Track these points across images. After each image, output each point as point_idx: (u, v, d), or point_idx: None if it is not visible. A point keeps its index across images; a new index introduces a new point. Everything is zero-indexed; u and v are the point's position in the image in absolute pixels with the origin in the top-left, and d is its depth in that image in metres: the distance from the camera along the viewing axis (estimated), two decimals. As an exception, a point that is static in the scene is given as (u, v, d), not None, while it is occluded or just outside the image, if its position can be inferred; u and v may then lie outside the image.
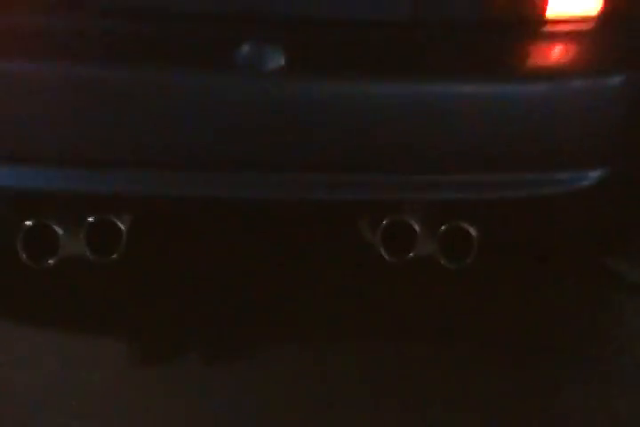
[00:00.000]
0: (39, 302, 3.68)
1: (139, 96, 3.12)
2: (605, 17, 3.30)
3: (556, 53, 3.37)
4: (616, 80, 3.28)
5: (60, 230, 3.08)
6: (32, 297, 3.67)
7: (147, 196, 3.20)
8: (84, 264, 3.16)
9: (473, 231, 3.20)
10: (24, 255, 3.09)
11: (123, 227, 3.12)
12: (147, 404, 3.34)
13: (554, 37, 3.34)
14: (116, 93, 3.11)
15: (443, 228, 3.21)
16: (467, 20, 3.27)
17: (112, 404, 3.34)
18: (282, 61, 3.08)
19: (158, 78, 3.13)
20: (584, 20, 3.30)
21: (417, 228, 3.19)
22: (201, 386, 3.43)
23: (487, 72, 3.26)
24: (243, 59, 3.09)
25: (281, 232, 3.64)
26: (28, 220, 3.07)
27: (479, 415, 3.39)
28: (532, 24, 3.30)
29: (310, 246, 3.77)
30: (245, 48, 3.09)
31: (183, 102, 3.12)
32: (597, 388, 3.57)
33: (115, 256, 3.12)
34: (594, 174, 3.30)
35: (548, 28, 3.31)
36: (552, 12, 3.27)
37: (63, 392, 3.37)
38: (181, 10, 3.19)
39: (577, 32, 3.31)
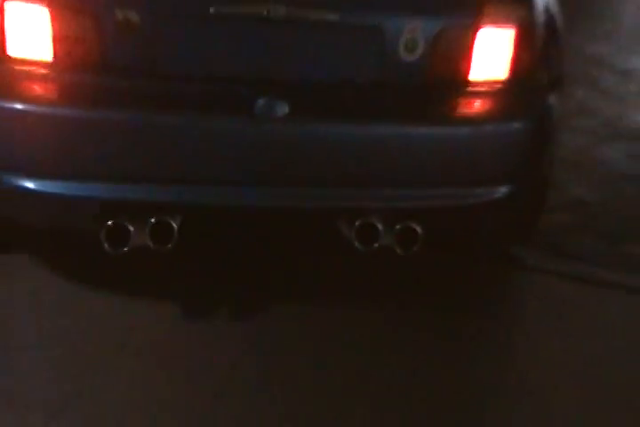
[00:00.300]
0: (115, 279, 3.65)
1: (187, 136, 3.11)
2: (510, 80, 3.31)
3: (478, 105, 3.36)
4: (517, 125, 3.32)
5: (131, 228, 3.09)
6: (110, 275, 3.65)
7: (191, 204, 3.21)
8: (147, 252, 3.16)
9: (419, 229, 3.23)
10: (106, 245, 3.09)
11: (175, 225, 3.12)
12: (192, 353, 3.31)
13: (476, 94, 3.33)
14: (172, 134, 3.11)
15: (398, 227, 3.23)
16: (418, 81, 3.25)
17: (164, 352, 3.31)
18: (286, 110, 3.11)
19: (202, 123, 3.12)
20: (496, 82, 3.32)
21: (380, 227, 3.22)
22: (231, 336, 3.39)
23: (432, 119, 3.28)
24: (260, 109, 3.11)
25: (285, 230, 3.61)
26: (109, 220, 3.08)
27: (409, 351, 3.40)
28: (461, 85, 3.30)
29: (307, 239, 3.75)
30: (261, 101, 3.10)
31: (219, 139, 3.13)
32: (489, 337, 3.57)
33: (169, 246, 3.13)
34: (503, 189, 3.36)
35: (472, 88, 3.32)
36: (475, 76, 3.29)
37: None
38: (220, 74, 3.17)
39: (492, 91, 3.33)
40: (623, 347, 3.56)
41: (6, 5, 3.02)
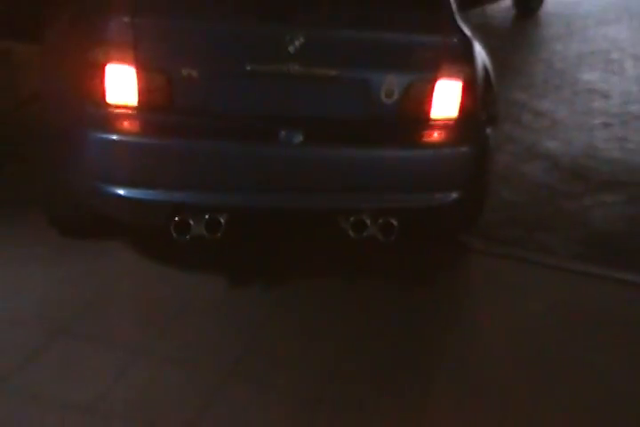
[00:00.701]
0: (182, 258, 3.62)
1: (231, 157, 3.15)
2: (460, 117, 3.30)
3: (437, 135, 3.33)
4: (465, 149, 3.33)
5: (191, 222, 3.11)
6: (178, 256, 3.62)
7: (234, 205, 3.21)
8: (203, 239, 3.17)
9: (395, 223, 3.25)
10: (173, 233, 3.12)
11: (223, 220, 3.14)
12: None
13: (437, 127, 3.32)
14: (220, 156, 3.14)
15: (380, 221, 3.25)
16: (394, 117, 3.26)
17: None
18: (301, 139, 3.12)
19: (241, 148, 3.15)
20: (450, 119, 3.31)
21: (367, 221, 3.24)
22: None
23: (404, 144, 3.30)
24: (282, 138, 3.12)
25: (301, 224, 3.62)
26: (176, 217, 3.11)
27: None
28: (425, 120, 3.30)
29: (317, 230, 3.73)
30: (283, 132, 3.12)
31: (253, 159, 3.14)
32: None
33: (218, 235, 3.15)
34: (455, 194, 3.36)
35: (433, 123, 3.31)
36: (435, 115, 3.29)
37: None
38: (254, 113, 3.18)
39: (447, 125, 3.31)
40: (543, 308, 3.57)
41: (107, 67, 3.03)
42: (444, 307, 3.51)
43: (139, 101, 3.06)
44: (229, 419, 2.73)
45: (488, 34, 3.75)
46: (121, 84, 3.03)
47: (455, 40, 3.26)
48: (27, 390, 2.74)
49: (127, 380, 2.85)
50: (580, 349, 3.29)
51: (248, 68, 3.09)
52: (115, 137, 3.07)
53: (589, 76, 7.41)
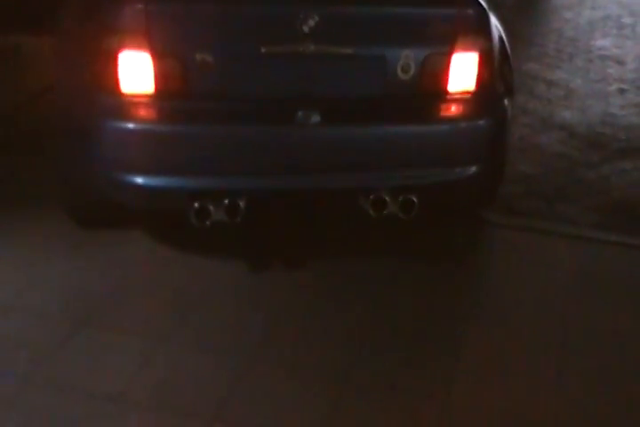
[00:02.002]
0: (200, 244, 3.61)
1: (249, 140, 3.11)
2: (477, 90, 3.26)
3: (455, 109, 3.30)
4: (483, 122, 3.30)
5: (211, 208, 3.09)
6: (197, 242, 3.61)
7: (254, 189, 3.19)
8: (223, 224, 3.14)
9: (415, 200, 3.21)
10: (193, 220, 3.09)
11: (242, 205, 3.11)
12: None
13: (455, 101, 3.29)
14: (238, 140, 3.11)
15: (400, 198, 3.22)
16: (411, 93, 3.23)
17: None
18: (318, 119, 3.10)
19: (259, 130, 3.12)
20: (467, 92, 3.26)
21: (387, 199, 3.21)
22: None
23: (423, 119, 3.27)
24: (300, 118, 3.09)
25: (320, 205, 3.55)
26: (196, 202, 3.08)
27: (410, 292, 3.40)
28: (443, 94, 3.26)
29: (337, 207, 3.67)
30: (300, 113, 3.09)
31: (271, 141, 3.13)
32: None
33: (238, 219, 3.13)
34: (474, 168, 3.33)
35: (452, 96, 3.26)
36: (452, 89, 3.24)
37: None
38: (271, 95, 3.15)
39: (464, 98, 3.27)
40: (566, 278, 3.58)
41: (120, 55, 2.99)
42: (468, 280, 3.52)
43: (154, 88, 3.03)
44: (256, 402, 2.73)
45: (497, 5, 3.65)
46: (135, 71, 3.00)
47: (471, 11, 3.21)
48: (55, 381, 2.76)
49: (152, 367, 2.86)
50: (606, 318, 3.29)
51: (263, 49, 3.06)
52: (131, 125, 3.04)
53: (602, 43, 7.31)
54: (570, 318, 3.28)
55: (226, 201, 3.10)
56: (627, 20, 8.12)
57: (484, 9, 3.27)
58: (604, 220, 4.14)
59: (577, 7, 8.60)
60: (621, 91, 6.07)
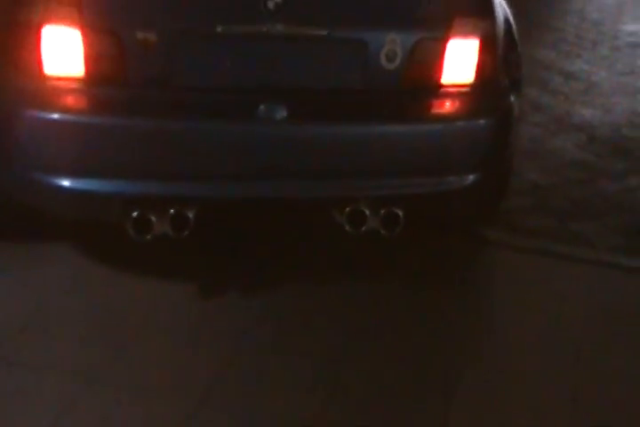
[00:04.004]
0: (140, 262, 3.61)
1: (198, 138, 3.10)
2: (477, 83, 3.28)
3: (450, 106, 3.33)
4: (483, 121, 3.29)
5: (153, 218, 3.08)
6: (136, 260, 3.61)
7: (204, 197, 3.19)
8: (167, 238, 3.14)
9: (400, 213, 3.20)
10: (132, 233, 3.09)
11: (191, 216, 3.10)
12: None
13: (450, 96, 3.30)
14: (185, 137, 3.09)
15: (382, 211, 3.20)
16: (397, 86, 3.23)
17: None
18: (284, 114, 3.09)
19: (211, 127, 3.12)
20: (465, 85, 3.28)
21: (367, 212, 3.20)
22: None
23: (410, 118, 3.27)
24: (262, 113, 3.09)
25: (285, 218, 3.58)
26: (134, 212, 3.07)
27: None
28: (435, 88, 3.27)
29: (305, 225, 3.74)
30: (263, 107, 3.09)
31: (226, 141, 3.12)
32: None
33: (185, 233, 3.12)
34: (472, 177, 3.33)
35: (444, 91, 3.28)
36: (447, 81, 3.25)
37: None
38: (227, 85, 3.15)
39: (461, 93, 3.29)
40: (578, 310, 3.59)
41: (44, 29, 2.97)
42: (463, 311, 3.53)
43: (84, 71, 3.03)
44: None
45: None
46: (62, 50, 3.00)
47: None
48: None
49: (78, 413, 2.83)
50: (621, 356, 3.32)
51: (218, 29, 3.07)
52: (55, 115, 3.03)
53: (632, 28, 7.38)
54: (583, 360, 3.28)
55: (171, 211, 3.11)
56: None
57: None
58: (628, 242, 4.15)
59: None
60: (654, 86, 6.15)
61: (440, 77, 3.26)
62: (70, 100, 3.08)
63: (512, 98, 3.50)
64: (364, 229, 3.24)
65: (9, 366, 3.02)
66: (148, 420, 2.83)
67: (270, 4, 3.05)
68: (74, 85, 3.04)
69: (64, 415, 2.82)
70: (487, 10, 3.28)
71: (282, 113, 3.12)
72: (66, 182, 3.09)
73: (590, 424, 2.97)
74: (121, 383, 2.98)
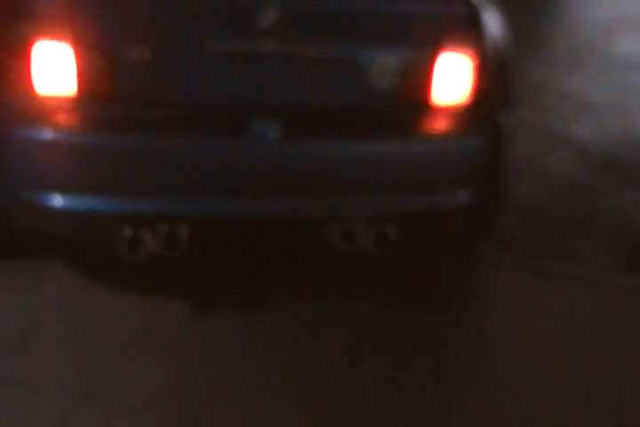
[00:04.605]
0: (132, 281, 3.60)
1: (191, 156, 3.09)
2: (468, 102, 3.26)
3: (441, 124, 3.31)
4: (475, 140, 3.31)
5: (146, 237, 3.09)
6: (128, 279, 3.61)
7: (197, 215, 3.19)
8: (160, 257, 3.15)
9: (392, 232, 3.21)
10: (124, 251, 3.09)
11: (183, 234, 3.11)
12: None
13: (441, 114, 3.29)
14: (178, 155, 3.09)
15: (374, 230, 3.21)
16: (388, 104, 3.24)
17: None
18: (276, 133, 3.10)
19: (203, 145, 3.11)
20: (456, 104, 3.25)
21: (358, 232, 3.21)
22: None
23: (403, 136, 3.26)
24: (255, 132, 3.09)
25: (276, 236, 3.50)
26: (127, 230, 3.08)
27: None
28: (426, 107, 3.26)
29: (295, 244, 3.70)
30: (255, 125, 3.09)
31: (218, 158, 3.11)
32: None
33: (177, 252, 3.12)
34: (463, 196, 3.35)
35: (437, 109, 3.27)
36: (437, 100, 3.24)
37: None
38: (219, 102, 3.15)
39: (453, 111, 3.28)
40: (576, 331, 3.57)
41: (36, 45, 2.97)
42: (456, 333, 3.51)
43: (76, 89, 3.03)
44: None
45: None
46: (53, 68, 3.00)
47: (459, 6, 3.24)
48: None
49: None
50: (620, 378, 3.29)
51: (210, 46, 3.09)
52: (47, 134, 3.03)
53: (624, 48, 7.39)
54: (579, 377, 3.27)
55: (164, 229, 3.12)
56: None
57: (474, 4, 3.29)
58: (623, 260, 4.16)
59: (593, 2, 8.74)
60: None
61: (431, 96, 3.26)
62: (61, 119, 3.06)
63: (504, 116, 3.51)
64: (354, 249, 3.26)
65: (1, 384, 3.02)
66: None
67: (262, 23, 3.05)
68: (65, 103, 3.04)
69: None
70: (476, 29, 3.28)
71: (274, 131, 3.12)
72: (58, 201, 3.09)
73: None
74: (110, 402, 2.97)
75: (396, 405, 3.09)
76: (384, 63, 3.19)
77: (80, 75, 3.01)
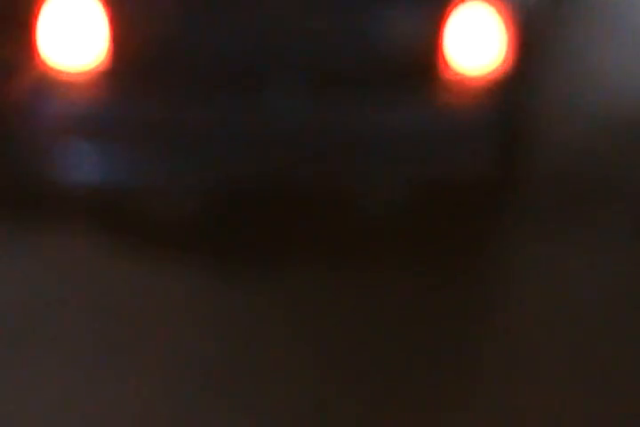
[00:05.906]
0: (139, 252, 3.55)
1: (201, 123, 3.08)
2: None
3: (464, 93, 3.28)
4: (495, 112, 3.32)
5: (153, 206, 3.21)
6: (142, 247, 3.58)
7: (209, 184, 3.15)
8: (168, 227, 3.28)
9: (414, 197, 3.28)
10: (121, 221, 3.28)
11: (194, 203, 3.22)
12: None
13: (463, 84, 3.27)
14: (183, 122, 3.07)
15: (395, 195, 3.24)
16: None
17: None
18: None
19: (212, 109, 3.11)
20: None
21: (381, 196, 3.23)
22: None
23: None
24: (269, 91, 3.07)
25: (295, 202, 3.58)
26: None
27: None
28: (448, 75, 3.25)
29: (314, 208, 3.72)
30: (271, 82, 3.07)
31: (229, 123, 3.10)
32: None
33: (189, 221, 3.30)
34: (485, 166, 3.35)
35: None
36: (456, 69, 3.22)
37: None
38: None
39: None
40: (601, 297, 3.55)
41: None
42: (478, 303, 3.51)
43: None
44: None
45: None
46: None
47: None
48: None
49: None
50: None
51: None
52: None
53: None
54: (603, 345, 3.23)
55: (173, 198, 3.14)
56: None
57: None
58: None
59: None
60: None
61: (449, 63, 3.27)
62: None
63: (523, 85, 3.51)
64: (377, 212, 3.30)
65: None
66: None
67: None
68: None
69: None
70: None
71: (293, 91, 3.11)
72: None
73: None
74: (127, 363, 2.98)
75: (422, 370, 3.08)
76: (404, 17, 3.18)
77: None
